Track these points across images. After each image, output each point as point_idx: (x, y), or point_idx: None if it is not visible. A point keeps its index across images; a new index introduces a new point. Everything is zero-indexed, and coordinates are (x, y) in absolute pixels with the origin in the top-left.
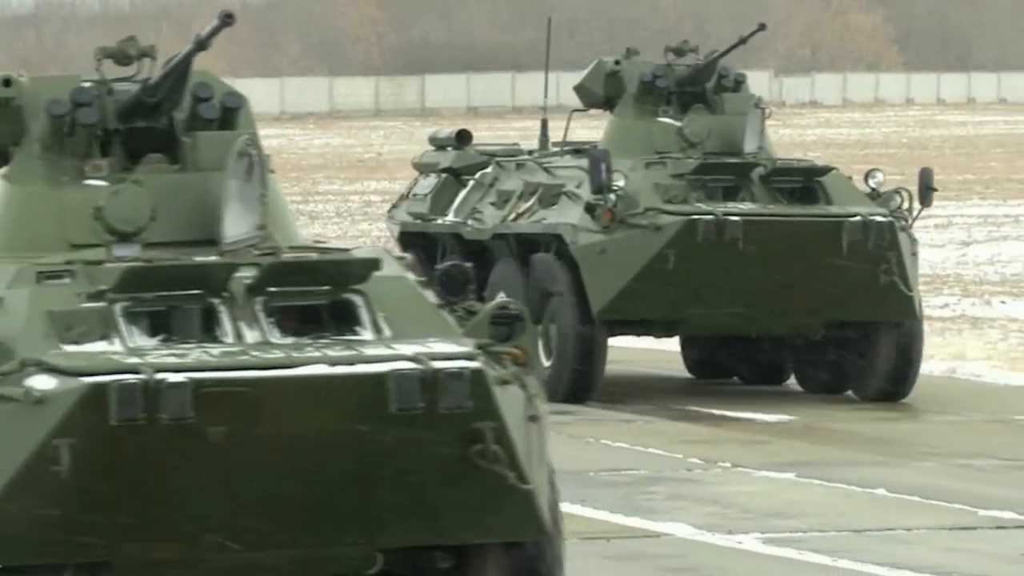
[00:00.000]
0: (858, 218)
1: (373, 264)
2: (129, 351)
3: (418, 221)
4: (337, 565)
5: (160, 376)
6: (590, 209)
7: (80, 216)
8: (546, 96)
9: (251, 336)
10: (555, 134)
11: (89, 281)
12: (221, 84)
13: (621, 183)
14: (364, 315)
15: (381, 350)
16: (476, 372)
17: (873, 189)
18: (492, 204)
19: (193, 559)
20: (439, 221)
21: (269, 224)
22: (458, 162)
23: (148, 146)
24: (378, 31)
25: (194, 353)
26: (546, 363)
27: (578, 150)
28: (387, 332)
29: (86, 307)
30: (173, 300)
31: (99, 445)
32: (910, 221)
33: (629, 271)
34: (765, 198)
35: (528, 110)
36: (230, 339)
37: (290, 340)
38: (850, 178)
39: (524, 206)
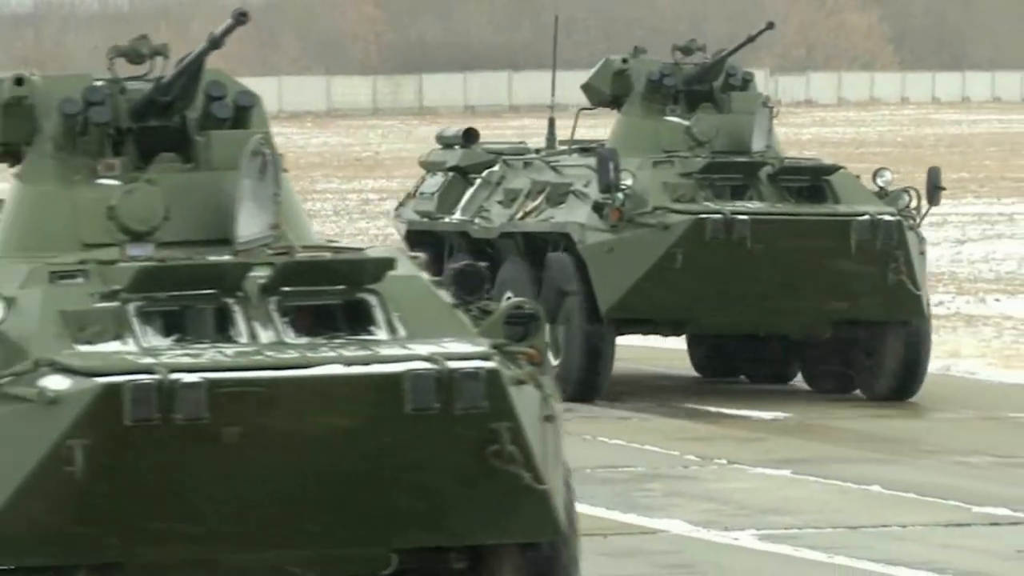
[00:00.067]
0: (866, 217)
1: (387, 264)
2: (143, 351)
3: (425, 220)
4: (352, 566)
5: (175, 376)
6: (598, 208)
7: (93, 215)
8: (553, 94)
9: (265, 336)
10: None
11: (102, 281)
12: (234, 83)
13: (629, 182)
14: (379, 315)
15: (396, 350)
16: (492, 372)
17: (881, 188)
18: (499, 203)
19: (207, 560)
20: (446, 220)
21: (282, 223)
22: (465, 160)
23: (161, 145)
24: (376, 30)
25: (208, 353)
26: (554, 362)
27: (585, 149)
28: (402, 332)
29: (100, 307)
30: (187, 300)
31: (113, 445)
32: (918, 220)
33: (637, 270)
34: (773, 197)
35: (525, 108)
36: (244, 339)
37: (304, 340)
38: (858, 177)
39: (531, 205)
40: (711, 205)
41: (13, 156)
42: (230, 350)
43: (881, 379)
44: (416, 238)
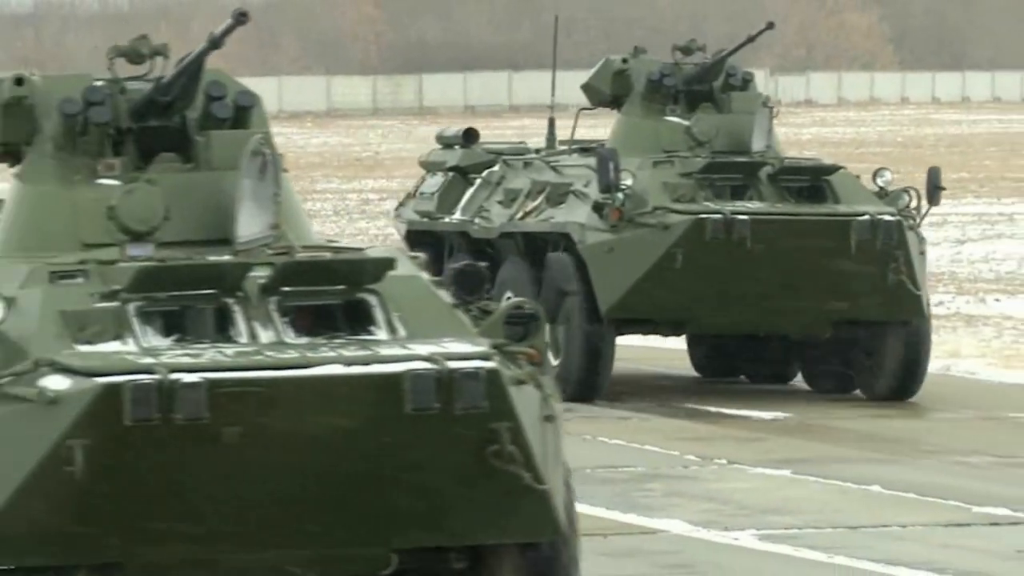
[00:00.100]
0: (866, 217)
1: (387, 264)
2: (143, 351)
3: (425, 220)
4: (352, 566)
5: (175, 376)
6: (598, 208)
7: (93, 215)
8: (553, 94)
9: (265, 336)
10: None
11: (102, 281)
12: (234, 83)
13: (629, 182)
14: (379, 315)
15: (396, 350)
16: (492, 372)
17: (881, 188)
18: (499, 203)
19: (207, 560)
20: (446, 220)
21: (282, 223)
22: (465, 160)
23: (161, 145)
24: (376, 30)
25: (208, 353)
26: (554, 362)
27: (585, 149)
28: (402, 332)
29: (99, 307)
30: (187, 300)
31: (113, 445)
32: (918, 220)
33: (637, 270)
34: (773, 197)
35: (525, 109)
36: (244, 339)
37: (305, 340)
38: (858, 177)
39: (531, 205)
40: (711, 205)
41: (13, 156)
42: (230, 350)
43: (881, 379)
44: (416, 238)
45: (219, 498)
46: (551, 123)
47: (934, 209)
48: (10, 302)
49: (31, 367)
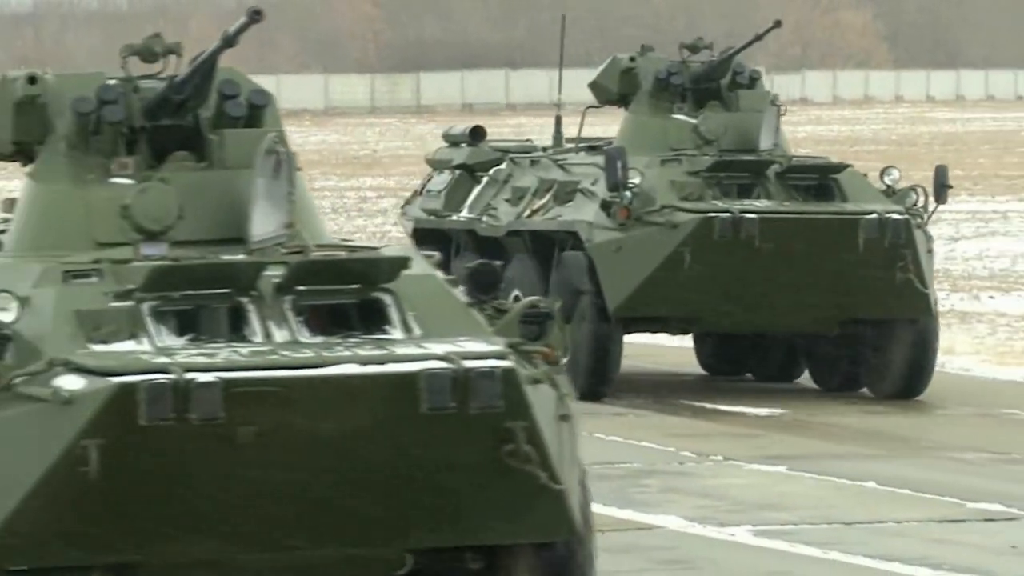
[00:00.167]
0: (874, 216)
1: (402, 263)
2: (158, 351)
3: (432, 217)
4: (367, 566)
5: (190, 376)
6: (606, 206)
7: (106, 214)
8: (560, 92)
9: (280, 335)
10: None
11: (116, 280)
12: (247, 81)
13: (637, 180)
14: (393, 314)
15: (412, 349)
16: (507, 371)
17: (888, 186)
18: (507, 201)
19: (221, 560)
20: (453, 217)
21: (297, 222)
22: (472, 158)
23: (174, 144)
24: (374, 29)
25: (223, 353)
26: (562, 360)
27: (593, 147)
28: (417, 331)
29: (114, 306)
30: (201, 299)
31: (128, 445)
32: (925, 219)
33: (645, 268)
34: (781, 195)
35: (522, 107)
36: (259, 338)
37: (319, 339)
38: (865, 175)
39: (539, 203)
40: (719, 204)
41: (26, 155)
42: (245, 349)
43: (888, 377)
44: (423, 236)
45: (234, 498)
46: (558, 121)
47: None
48: (24, 301)
49: (45, 367)
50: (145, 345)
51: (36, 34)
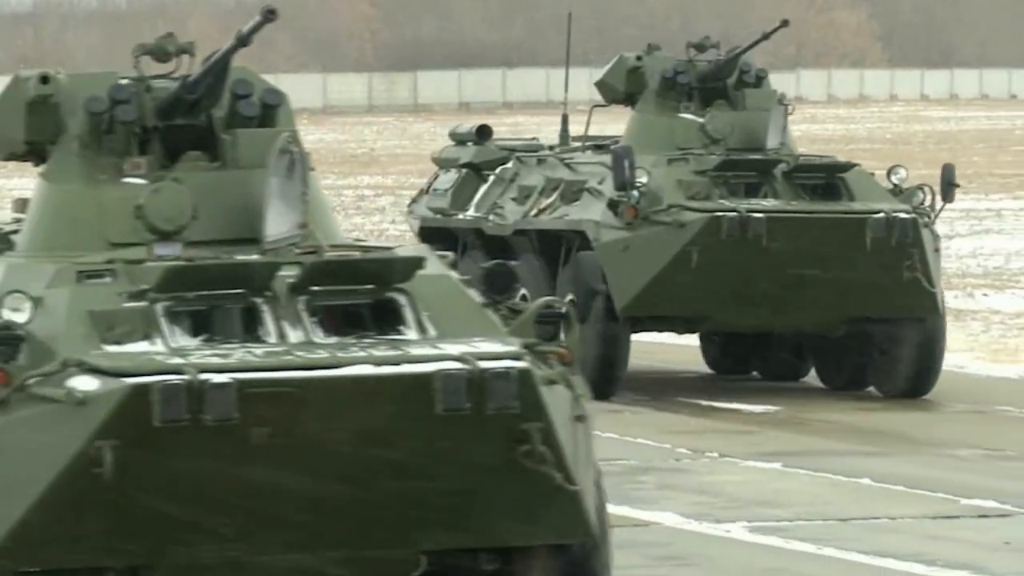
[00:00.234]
0: (881, 215)
1: (417, 263)
2: (172, 351)
3: (438, 216)
4: (381, 567)
5: (204, 376)
6: (613, 206)
7: (120, 214)
8: (567, 91)
9: (294, 336)
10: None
11: (130, 280)
12: (260, 81)
13: (644, 180)
14: (408, 314)
15: (427, 350)
16: (523, 372)
17: (896, 185)
18: (513, 199)
19: (236, 562)
20: (460, 216)
21: (310, 222)
22: (478, 157)
23: (187, 144)
24: (371, 28)
25: (238, 353)
26: None
27: (599, 146)
28: (432, 331)
29: (128, 307)
30: (215, 299)
31: (142, 446)
32: (932, 217)
33: (652, 268)
34: (788, 194)
35: (519, 105)
36: (273, 339)
37: (334, 340)
38: (872, 174)
39: (546, 202)
40: (726, 203)
41: (38, 155)
42: (259, 350)
43: (895, 376)
44: (429, 235)
45: (248, 499)
46: (564, 120)
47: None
48: (37, 302)
49: (59, 367)
50: (159, 346)
51: (36, 33)
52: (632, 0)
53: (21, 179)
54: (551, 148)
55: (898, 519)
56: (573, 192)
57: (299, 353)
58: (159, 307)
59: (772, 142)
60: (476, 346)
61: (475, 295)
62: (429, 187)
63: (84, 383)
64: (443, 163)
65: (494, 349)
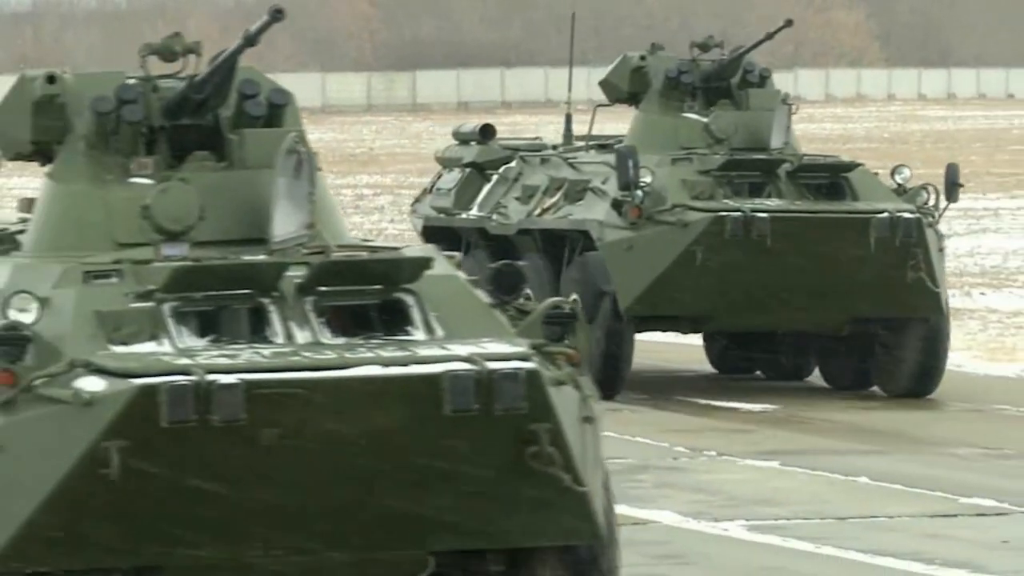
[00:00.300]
0: (885, 214)
1: (424, 263)
2: (179, 352)
3: (442, 215)
4: (389, 568)
5: (212, 377)
6: (617, 205)
7: (126, 215)
8: (570, 91)
9: (302, 336)
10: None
11: (137, 281)
12: (267, 81)
13: (648, 179)
14: (416, 315)
15: (435, 351)
16: (532, 373)
17: (900, 185)
18: (517, 199)
19: (244, 563)
20: (463, 216)
21: (317, 222)
22: (482, 156)
23: (194, 144)
24: (370, 28)
25: (245, 354)
26: None
27: (603, 145)
28: (440, 332)
29: (135, 307)
30: (222, 300)
31: (149, 447)
32: (936, 217)
33: (656, 267)
34: (792, 194)
35: (517, 105)
36: (280, 339)
37: (341, 340)
38: (876, 174)
39: (549, 201)
40: (730, 203)
41: (45, 155)
42: (267, 351)
43: (899, 376)
44: (433, 234)
45: (256, 500)
46: (568, 119)
47: None
48: (44, 302)
49: (66, 368)
50: (166, 346)
51: (35, 33)
52: (631, 0)
53: (20, 178)
54: (555, 147)
55: (896, 518)
56: (577, 192)
57: (307, 354)
58: (166, 307)
59: (776, 142)
60: (484, 347)
61: (483, 295)
62: (432, 186)
63: (91, 384)
64: (446, 162)
65: (502, 350)
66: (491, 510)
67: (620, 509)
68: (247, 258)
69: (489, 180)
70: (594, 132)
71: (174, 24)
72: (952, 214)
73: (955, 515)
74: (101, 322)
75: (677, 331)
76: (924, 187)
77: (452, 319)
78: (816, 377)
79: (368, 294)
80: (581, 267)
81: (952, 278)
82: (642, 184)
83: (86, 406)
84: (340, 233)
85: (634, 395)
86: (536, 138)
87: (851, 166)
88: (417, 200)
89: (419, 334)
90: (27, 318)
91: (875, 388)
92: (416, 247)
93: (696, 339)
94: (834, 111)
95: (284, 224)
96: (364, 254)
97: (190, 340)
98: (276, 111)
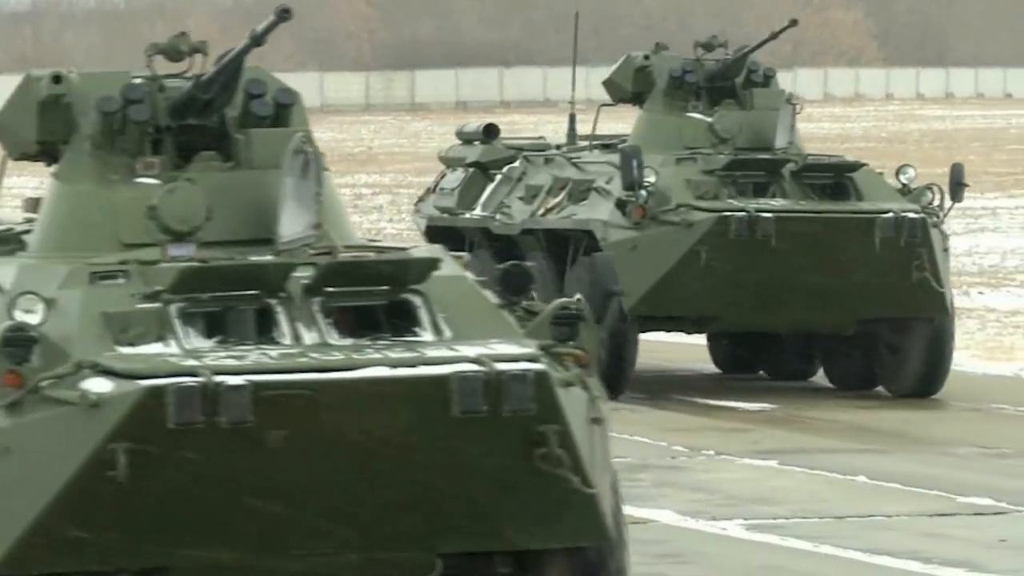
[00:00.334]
0: (890, 214)
1: (432, 264)
2: (186, 353)
3: (445, 215)
4: (396, 570)
5: (219, 379)
6: (621, 205)
7: (133, 215)
8: (573, 90)
9: (309, 337)
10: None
11: (144, 281)
12: (274, 80)
13: (652, 179)
14: (424, 316)
15: (443, 352)
16: (540, 374)
17: (904, 185)
18: (520, 199)
19: (251, 564)
20: (467, 215)
21: (325, 223)
22: (485, 156)
23: (200, 144)
24: (369, 28)
25: (252, 355)
26: None
27: (607, 145)
28: (447, 333)
29: (141, 308)
30: (229, 301)
31: (156, 449)
32: (941, 217)
33: (661, 268)
34: (796, 194)
35: (515, 104)
36: (288, 340)
37: (349, 342)
38: (880, 173)
39: (553, 201)
40: (735, 203)
41: (50, 155)
42: (274, 352)
43: (904, 376)
44: (436, 234)
45: (263, 502)
46: (572, 119)
47: None
48: (50, 303)
49: (72, 369)
50: (173, 347)
51: (35, 32)
52: (630, 0)
53: (20, 177)
54: (558, 147)
55: (894, 517)
56: (581, 191)
57: (314, 355)
58: (173, 308)
59: (780, 141)
60: (492, 348)
61: (491, 296)
62: (436, 186)
63: (98, 385)
64: (450, 162)
65: (510, 351)
66: (499, 512)
67: None
68: (254, 259)
69: (493, 180)
70: (597, 132)
71: (173, 24)
72: (951, 213)
73: (953, 514)
74: (108, 323)
75: (681, 331)
76: (928, 187)
77: (460, 320)
78: (820, 377)
79: (376, 295)
80: (589, 267)
81: (951, 277)
82: (646, 184)
83: (93, 407)
84: (347, 233)
85: (633, 394)
86: (540, 138)
87: (856, 166)
88: (420, 200)
89: (427, 335)
90: (33, 319)
91: (880, 388)
92: (423, 247)
93: (698, 339)
94: (832, 110)
95: (291, 224)
96: (371, 255)
97: (197, 341)
98: (283, 111)
